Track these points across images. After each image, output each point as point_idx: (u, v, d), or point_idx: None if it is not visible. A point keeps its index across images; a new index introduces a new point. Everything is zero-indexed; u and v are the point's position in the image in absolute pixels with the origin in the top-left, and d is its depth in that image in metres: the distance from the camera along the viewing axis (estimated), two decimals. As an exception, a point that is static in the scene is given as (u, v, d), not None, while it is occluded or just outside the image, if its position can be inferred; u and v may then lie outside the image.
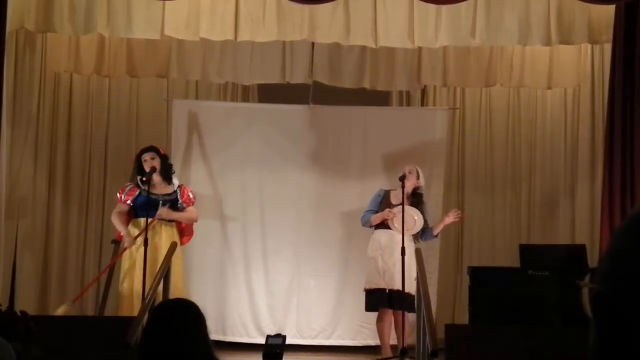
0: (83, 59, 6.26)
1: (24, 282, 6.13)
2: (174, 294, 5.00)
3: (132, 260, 5.34)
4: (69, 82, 6.47)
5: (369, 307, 5.53)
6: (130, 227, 5.45)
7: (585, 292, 4.95)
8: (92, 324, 5.09)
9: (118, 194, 5.51)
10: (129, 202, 5.43)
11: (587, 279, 4.98)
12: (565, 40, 5.59)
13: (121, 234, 5.42)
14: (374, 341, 5.86)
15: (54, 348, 4.36)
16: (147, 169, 5.37)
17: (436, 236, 5.64)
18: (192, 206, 5.56)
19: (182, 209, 5.53)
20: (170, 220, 5.46)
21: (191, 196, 5.55)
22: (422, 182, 5.58)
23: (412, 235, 5.52)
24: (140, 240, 5.28)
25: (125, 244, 5.36)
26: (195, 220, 5.62)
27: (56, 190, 6.38)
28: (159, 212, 5.33)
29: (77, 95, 6.48)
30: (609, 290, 1.05)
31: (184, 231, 5.61)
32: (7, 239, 5.73)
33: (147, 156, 5.43)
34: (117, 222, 5.45)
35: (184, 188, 5.57)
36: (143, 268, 5.14)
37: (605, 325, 1.07)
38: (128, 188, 5.48)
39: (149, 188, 5.34)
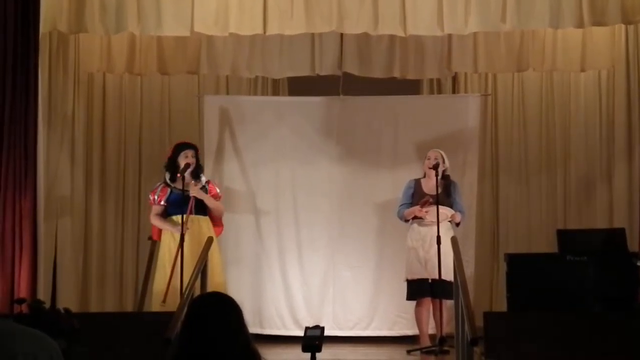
0: (115, 58, 6.33)
1: (65, 281, 6.24)
2: (212, 288, 5.03)
3: (172, 257, 5.35)
4: (102, 82, 6.56)
5: (410, 297, 5.53)
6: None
7: None
8: (133, 319, 5.16)
9: (150, 196, 5.49)
10: (162, 202, 5.43)
11: None
12: (598, 21, 5.46)
13: (168, 228, 5.36)
14: (411, 331, 5.85)
15: (97, 345, 4.44)
16: (182, 164, 5.36)
17: (457, 224, 5.59)
18: (219, 201, 5.56)
19: None
20: (201, 211, 5.44)
21: (218, 191, 5.57)
22: (447, 164, 5.56)
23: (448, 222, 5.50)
24: (177, 236, 5.28)
25: (184, 231, 5.22)
26: (222, 214, 5.59)
27: (93, 189, 6.48)
28: (191, 189, 5.29)
29: (110, 95, 6.57)
30: None
31: (215, 222, 5.62)
32: (47, 239, 5.84)
33: (188, 152, 5.42)
34: (161, 223, 5.42)
35: (212, 184, 5.57)
36: (181, 264, 5.18)
37: None
38: (159, 189, 5.46)
39: (183, 184, 5.33)
